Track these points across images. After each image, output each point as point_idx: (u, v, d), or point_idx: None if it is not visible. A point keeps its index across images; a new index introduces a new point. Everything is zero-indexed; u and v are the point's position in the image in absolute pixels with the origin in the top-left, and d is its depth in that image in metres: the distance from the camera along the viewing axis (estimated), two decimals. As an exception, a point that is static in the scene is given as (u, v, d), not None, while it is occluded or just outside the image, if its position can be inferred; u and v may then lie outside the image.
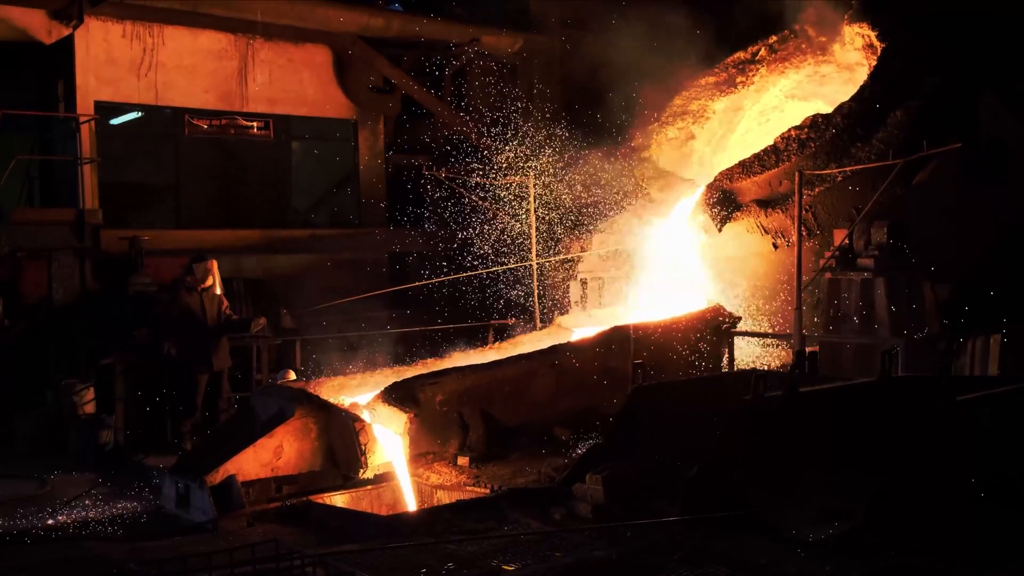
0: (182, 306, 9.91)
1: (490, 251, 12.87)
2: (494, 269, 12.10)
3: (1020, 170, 10.54)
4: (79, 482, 8.78)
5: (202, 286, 10.08)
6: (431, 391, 8.18)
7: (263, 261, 13.57)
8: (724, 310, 10.29)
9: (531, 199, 12.05)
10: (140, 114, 13.98)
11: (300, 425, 7.70)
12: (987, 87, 10.76)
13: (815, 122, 10.50)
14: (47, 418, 10.68)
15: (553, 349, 9.24)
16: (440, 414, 8.20)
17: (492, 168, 14.27)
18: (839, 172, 10.12)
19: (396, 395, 8.04)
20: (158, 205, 14.08)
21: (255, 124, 14.75)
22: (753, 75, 12.39)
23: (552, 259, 12.34)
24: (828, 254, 9.92)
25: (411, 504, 7.60)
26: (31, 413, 10.74)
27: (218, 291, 10.41)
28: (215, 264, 10.39)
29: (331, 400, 8.16)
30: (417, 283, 12.56)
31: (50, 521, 7.53)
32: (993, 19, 10.82)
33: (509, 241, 12.74)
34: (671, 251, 11.41)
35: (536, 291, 11.96)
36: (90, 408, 10.60)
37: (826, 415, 6.67)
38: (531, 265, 11.96)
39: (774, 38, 12.25)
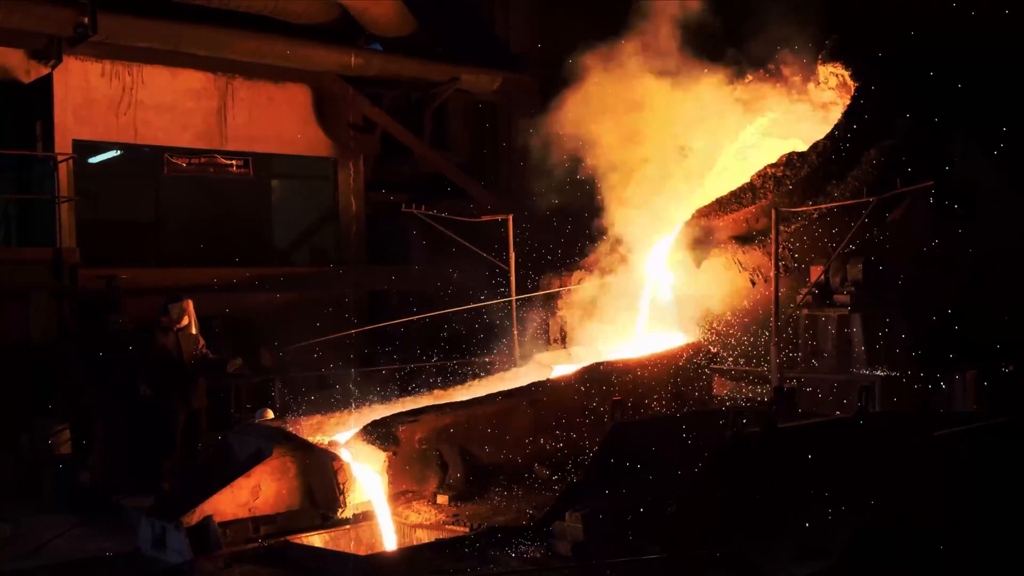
0: (158, 346, 9.89)
1: (469, 289, 12.86)
2: (472, 307, 12.09)
3: (991, 206, 10.67)
4: (54, 524, 8.67)
5: (178, 326, 10.05)
6: (410, 429, 8.15)
7: (242, 300, 13.49)
8: (702, 346, 10.34)
9: (510, 237, 12.08)
10: (119, 153, 13.96)
11: (278, 464, 7.64)
12: (957, 126, 10.92)
13: (791, 160, 10.61)
14: (22, 460, 10.56)
15: (532, 386, 9.23)
16: (419, 452, 8.17)
17: (472, 205, 14.31)
18: (815, 209, 10.22)
19: (375, 433, 8.02)
20: (137, 244, 13.99)
21: (235, 162, 14.74)
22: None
23: (532, 295, 12.34)
24: (804, 290, 9.99)
25: (390, 543, 7.55)
26: (5, 455, 10.60)
27: (194, 331, 10.36)
28: (190, 304, 10.34)
29: (309, 439, 8.12)
30: (396, 320, 12.54)
31: (24, 564, 7.42)
32: (962, 59, 11.00)
33: (489, 279, 12.74)
34: (650, 288, 11.45)
35: (515, 328, 11.96)
36: (66, 449, 10.49)
37: (804, 451, 6.69)
38: (510, 302, 11.97)
39: (750, 77, 12.39)
